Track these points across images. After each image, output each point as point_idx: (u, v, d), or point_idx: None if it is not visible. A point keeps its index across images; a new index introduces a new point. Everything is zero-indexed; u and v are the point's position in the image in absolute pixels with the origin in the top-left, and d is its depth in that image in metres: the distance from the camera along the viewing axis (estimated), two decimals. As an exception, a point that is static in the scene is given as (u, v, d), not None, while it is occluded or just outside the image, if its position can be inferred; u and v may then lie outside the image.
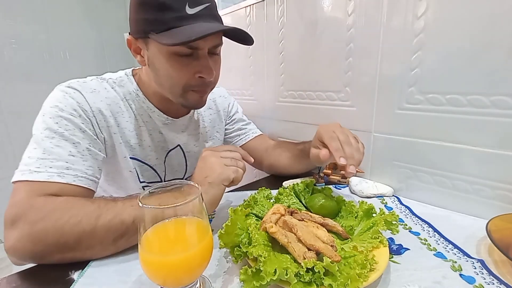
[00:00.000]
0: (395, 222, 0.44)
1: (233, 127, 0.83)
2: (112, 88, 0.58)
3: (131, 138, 0.60)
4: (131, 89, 0.60)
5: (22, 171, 0.44)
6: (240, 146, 0.82)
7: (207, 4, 0.50)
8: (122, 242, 0.43)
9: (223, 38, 0.56)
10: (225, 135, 0.83)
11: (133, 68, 0.64)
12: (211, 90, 0.61)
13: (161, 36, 0.48)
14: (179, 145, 0.69)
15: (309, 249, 0.38)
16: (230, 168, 0.51)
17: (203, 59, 0.53)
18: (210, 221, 0.54)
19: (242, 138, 0.82)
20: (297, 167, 0.75)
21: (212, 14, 0.52)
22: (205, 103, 0.61)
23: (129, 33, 0.55)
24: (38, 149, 0.46)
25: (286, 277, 0.33)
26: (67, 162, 0.46)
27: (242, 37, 0.55)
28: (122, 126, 0.58)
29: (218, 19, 0.54)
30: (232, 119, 0.83)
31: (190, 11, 0.48)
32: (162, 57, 0.52)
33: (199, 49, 0.52)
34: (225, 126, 0.82)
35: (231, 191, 0.70)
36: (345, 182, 0.73)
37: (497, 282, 0.37)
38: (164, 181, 0.69)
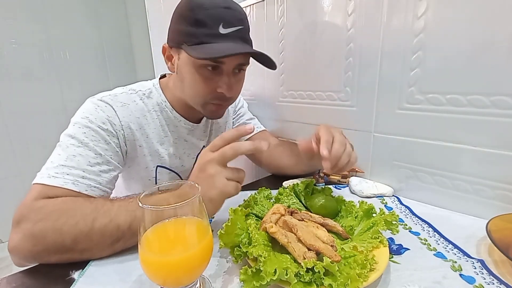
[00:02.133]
0: (395, 222, 0.44)
1: (239, 122, 0.84)
2: (141, 99, 0.61)
3: (158, 148, 0.63)
4: (159, 100, 0.63)
5: (42, 174, 0.46)
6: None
7: (240, 27, 0.53)
8: (119, 245, 0.43)
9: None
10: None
11: (159, 77, 0.67)
12: (230, 104, 0.63)
13: (192, 49, 0.51)
14: (204, 146, 0.72)
15: (309, 249, 0.38)
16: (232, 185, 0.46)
17: (225, 76, 0.56)
18: (210, 221, 0.54)
19: None
20: (296, 168, 0.75)
21: (242, 37, 0.55)
22: (222, 116, 0.64)
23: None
24: (61, 155, 0.48)
25: (286, 277, 0.33)
26: (84, 172, 0.47)
27: (267, 61, 0.57)
28: (150, 137, 0.61)
29: (248, 42, 0.57)
30: (237, 113, 0.84)
31: (223, 31, 0.51)
32: (190, 68, 0.54)
33: (224, 66, 0.54)
34: (232, 120, 0.83)
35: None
36: (345, 182, 0.73)
37: (497, 282, 0.37)
38: None
